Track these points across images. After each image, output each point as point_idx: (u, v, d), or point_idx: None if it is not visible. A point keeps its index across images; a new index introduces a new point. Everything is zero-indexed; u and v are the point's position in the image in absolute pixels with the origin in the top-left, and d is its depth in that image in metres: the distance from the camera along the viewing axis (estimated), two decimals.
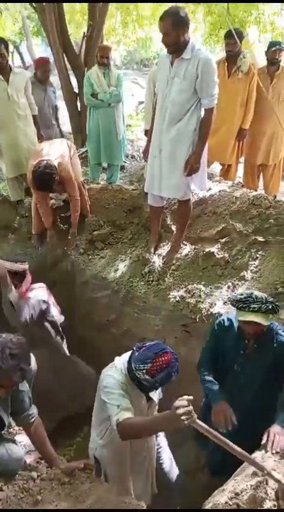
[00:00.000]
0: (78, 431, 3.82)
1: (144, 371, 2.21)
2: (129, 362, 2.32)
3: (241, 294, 2.48)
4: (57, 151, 4.16)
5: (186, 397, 1.90)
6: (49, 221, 4.46)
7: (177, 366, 2.26)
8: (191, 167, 3.61)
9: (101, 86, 5.31)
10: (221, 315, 2.87)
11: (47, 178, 3.91)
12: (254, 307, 2.37)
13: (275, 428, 2.33)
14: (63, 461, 2.35)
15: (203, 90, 3.42)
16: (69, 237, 4.51)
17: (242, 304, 2.40)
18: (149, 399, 2.48)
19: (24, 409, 2.26)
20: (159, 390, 2.60)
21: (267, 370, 2.59)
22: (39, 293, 3.44)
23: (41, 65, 5.66)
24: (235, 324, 2.63)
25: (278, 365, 2.54)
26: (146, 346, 2.33)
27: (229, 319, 2.69)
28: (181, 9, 3.33)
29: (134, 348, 2.36)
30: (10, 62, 4.83)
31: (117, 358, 2.48)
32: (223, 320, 2.70)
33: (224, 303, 3.56)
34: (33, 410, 2.32)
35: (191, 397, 1.91)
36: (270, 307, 2.39)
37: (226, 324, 2.68)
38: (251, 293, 2.46)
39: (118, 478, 2.51)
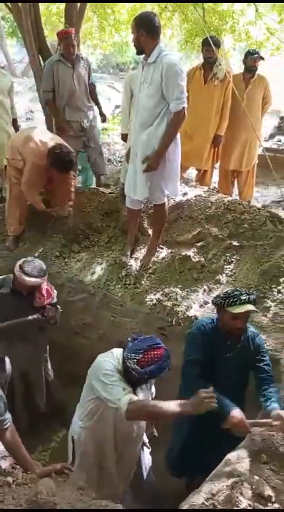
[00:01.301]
0: (53, 436, 3.79)
1: (135, 360, 2.25)
2: (124, 351, 2.37)
3: (225, 292, 2.54)
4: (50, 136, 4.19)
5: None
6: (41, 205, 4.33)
7: (168, 362, 2.29)
8: (148, 164, 3.60)
9: None
10: (198, 321, 2.82)
11: (73, 158, 3.97)
12: (244, 299, 2.47)
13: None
14: (39, 466, 2.32)
15: (169, 93, 3.44)
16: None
17: (232, 299, 2.47)
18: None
19: None
20: (148, 392, 2.60)
21: (246, 371, 2.66)
22: None
23: (63, 38, 4.87)
24: (213, 328, 2.64)
25: (254, 364, 2.62)
26: (141, 338, 2.38)
27: (209, 323, 2.67)
28: (151, 14, 3.52)
29: (129, 339, 2.41)
30: None
31: (115, 348, 2.52)
32: (203, 326, 2.67)
33: (201, 306, 3.60)
34: (7, 416, 2.28)
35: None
36: (254, 296, 2.53)
37: (208, 328, 2.65)
38: (234, 288, 2.57)
39: (95, 467, 2.54)
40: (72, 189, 4.42)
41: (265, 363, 2.62)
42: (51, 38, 8.65)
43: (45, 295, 3.32)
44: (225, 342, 2.62)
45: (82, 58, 4.99)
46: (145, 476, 2.85)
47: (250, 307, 2.49)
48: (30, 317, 3.22)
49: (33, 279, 3.11)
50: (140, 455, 2.80)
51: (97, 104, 5.24)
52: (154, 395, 2.73)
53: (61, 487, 2.09)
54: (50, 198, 4.48)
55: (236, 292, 2.50)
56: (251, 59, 5.25)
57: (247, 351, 2.64)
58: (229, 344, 2.62)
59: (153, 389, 2.76)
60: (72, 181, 4.35)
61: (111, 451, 2.55)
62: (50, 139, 4.12)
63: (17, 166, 4.16)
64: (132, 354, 2.29)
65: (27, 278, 3.09)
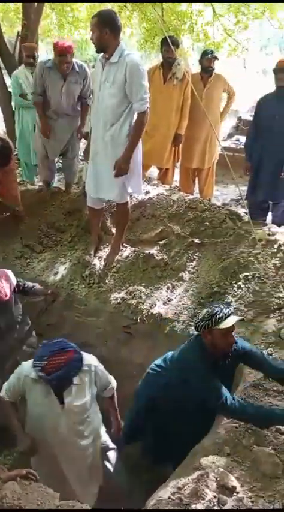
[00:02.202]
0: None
1: (40, 368, 2.23)
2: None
3: (206, 313, 2.46)
4: None
5: None
6: None
7: (78, 365, 2.29)
8: (119, 168, 3.61)
9: (30, 86, 5.19)
10: (194, 367, 2.58)
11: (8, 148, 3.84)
12: (227, 312, 2.43)
13: None
14: (4, 470, 2.28)
15: (133, 94, 3.44)
16: None
17: (217, 316, 2.40)
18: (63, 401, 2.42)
19: None
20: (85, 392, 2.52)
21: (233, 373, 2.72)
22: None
23: (58, 54, 4.20)
24: (203, 356, 2.55)
25: (253, 364, 2.67)
26: (49, 342, 2.33)
27: (200, 355, 2.54)
28: (110, 11, 3.46)
29: (40, 344, 2.40)
30: None
31: None
32: (198, 357, 2.54)
33: (164, 303, 3.64)
34: None
35: None
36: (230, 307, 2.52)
37: (202, 357, 2.53)
38: (213, 305, 2.49)
39: (44, 467, 2.54)
40: (15, 182, 4.32)
41: (259, 355, 2.63)
42: (8, 35, 8.47)
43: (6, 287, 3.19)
44: (216, 364, 2.54)
45: (78, 71, 4.41)
46: (113, 477, 2.84)
47: (236, 317, 2.47)
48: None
49: None
50: (97, 457, 2.75)
51: (82, 120, 4.75)
52: (112, 386, 2.75)
53: (26, 490, 2.07)
54: None
55: (217, 309, 2.43)
56: (206, 59, 5.35)
57: (234, 365, 2.68)
58: (220, 364, 2.56)
59: (111, 382, 2.74)
60: (12, 174, 4.23)
61: (45, 449, 2.54)
62: None
63: None
64: (37, 362, 2.25)
65: None
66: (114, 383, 2.79)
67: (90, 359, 2.57)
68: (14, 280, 3.27)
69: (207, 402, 2.48)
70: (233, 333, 2.50)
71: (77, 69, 4.38)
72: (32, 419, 2.55)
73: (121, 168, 3.61)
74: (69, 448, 2.55)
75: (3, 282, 3.12)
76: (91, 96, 4.20)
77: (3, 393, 2.56)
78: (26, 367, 2.46)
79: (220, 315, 2.40)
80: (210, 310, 2.45)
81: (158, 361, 2.90)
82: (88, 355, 2.60)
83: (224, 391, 2.42)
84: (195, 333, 2.65)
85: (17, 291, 3.31)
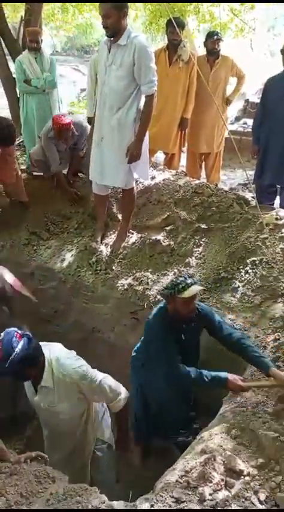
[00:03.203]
0: (29, 424, 3.77)
1: None
2: None
3: (171, 282, 2.62)
4: None
5: None
6: None
7: (11, 361, 2.15)
8: (132, 154, 3.60)
9: (34, 72, 5.14)
10: (153, 321, 2.83)
11: (13, 131, 3.85)
12: (190, 282, 2.58)
13: (277, 372, 2.46)
14: (13, 454, 2.32)
15: (141, 77, 3.41)
16: None
17: (180, 285, 2.56)
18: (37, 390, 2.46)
19: None
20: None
21: (198, 341, 2.87)
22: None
23: (58, 129, 4.34)
24: (164, 321, 2.73)
25: (218, 336, 2.76)
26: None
27: (160, 320, 2.75)
28: None
29: None
30: None
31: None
32: (157, 325, 2.75)
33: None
34: None
35: None
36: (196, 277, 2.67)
37: (162, 325, 2.73)
38: (178, 275, 2.63)
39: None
40: (14, 165, 4.30)
41: (230, 330, 2.73)
42: (12, 20, 8.37)
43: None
44: (176, 328, 2.73)
45: (77, 134, 4.51)
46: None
47: (198, 287, 2.62)
48: None
49: None
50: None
51: (70, 166, 4.85)
52: (119, 399, 2.62)
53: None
54: None
55: (181, 279, 2.58)
56: (211, 41, 5.26)
57: (201, 328, 2.82)
58: (184, 327, 2.75)
59: (117, 396, 2.60)
60: (13, 156, 4.24)
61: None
62: None
63: None
64: None
65: None
66: (123, 395, 2.64)
67: (68, 369, 2.40)
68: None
69: (158, 364, 2.71)
70: (201, 305, 2.77)
71: (76, 132, 4.47)
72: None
73: (134, 155, 3.60)
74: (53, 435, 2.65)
75: None
76: (84, 147, 4.52)
77: None
78: None
79: (183, 285, 2.55)
80: (174, 280, 2.61)
81: (137, 344, 3.08)
82: (71, 365, 2.41)
83: (176, 357, 2.63)
84: None
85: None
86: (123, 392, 2.61)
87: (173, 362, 2.64)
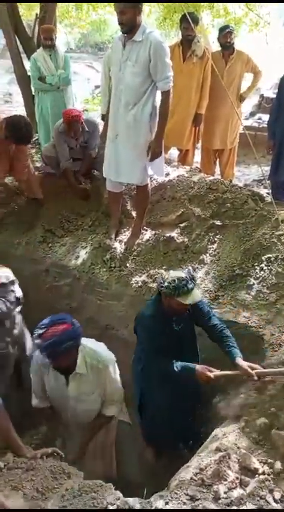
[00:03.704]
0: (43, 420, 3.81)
1: (37, 335, 2.27)
2: None
3: (173, 282, 2.59)
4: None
5: None
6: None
7: (71, 337, 2.28)
8: (153, 151, 3.60)
9: (49, 69, 5.17)
10: (143, 319, 2.86)
11: (31, 130, 3.87)
12: (191, 287, 2.58)
13: (242, 362, 2.57)
14: (29, 449, 2.35)
15: (157, 73, 3.40)
16: None
17: (181, 289, 2.56)
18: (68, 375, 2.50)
19: None
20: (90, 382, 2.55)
21: (194, 329, 2.91)
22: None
23: (68, 122, 4.32)
24: (156, 315, 2.76)
25: (205, 326, 2.83)
26: (54, 315, 2.40)
27: (151, 314, 2.78)
28: None
29: None
30: None
31: None
32: (148, 318, 2.79)
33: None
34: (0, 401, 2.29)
35: None
36: (194, 281, 2.65)
37: (153, 318, 2.76)
38: (177, 276, 2.61)
39: None
40: (26, 162, 4.34)
41: (215, 321, 2.79)
42: (26, 17, 8.41)
43: None
44: (170, 319, 2.78)
45: (87, 131, 4.49)
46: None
47: (198, 294, 2.65)
48: None
49: None
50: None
51: (82, 165, 4.74)
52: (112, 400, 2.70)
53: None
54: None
55: (183, 282, 2.56)
56: (222, 35, 5.22)
57: (193, 318, 2.84)
58: (175, 319, 2.79)
59: (115, 383, 2.69)
60: (25, 153, 4.28)
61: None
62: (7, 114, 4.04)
63: None
64: (37, 329, 2.30)
65: None
66: (118, 404, 2.74)
67: (101, 356, 2.54)
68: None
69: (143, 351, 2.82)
70: None
71: (87, 129, 4.46)
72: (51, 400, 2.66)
73: (156, 152, 3.60)
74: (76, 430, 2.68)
75: None
76: (96, 147, 4.50)
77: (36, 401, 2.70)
78: (35, 357, 2.56)
79: (184, 290, 2.56)
80: (176, 281, 2.57)
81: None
82: (103, 352, 2.58)
83: (154, 347, 2.71)
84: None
85: None
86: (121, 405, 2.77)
87: (153, 353, 2.73)
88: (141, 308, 2.99)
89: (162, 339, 2.72)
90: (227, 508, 1.86)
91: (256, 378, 2.49)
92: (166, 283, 2.60)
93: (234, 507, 1.87)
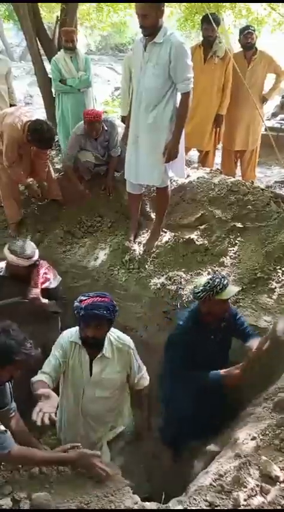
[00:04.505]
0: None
1: (80, 300, 2.44)
2: None
3: (207, 284, 2.63)
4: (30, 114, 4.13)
5: None
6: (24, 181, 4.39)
7: (110, 308, 2.43)
8: (169, 153, 3.58)
9: (69, 71, 5.19)
10: (178, 331, 2.85)
11: (53, 135, 3.93)
12: (226, 283, 2.62)
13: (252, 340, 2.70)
14: (47, 450, 2.35)
15: (177, 74, 3.39)
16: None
17: (218, 287, 2.59)
18: (94, 357, 2.55)
19: (6, 404, 2.24)
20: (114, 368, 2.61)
21: (230, 339, 2.91)
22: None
23: (89, 121, 4.33)
24: (192, 325, 2.75)
25: (240, 335, 2.86)
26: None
27: (187, 320, 2.79)
28: None
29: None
30: None
31: None
32: (184, 325, 2.79)
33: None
34: (13, 404, 2.32)
35: None
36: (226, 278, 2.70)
37: (189, 325, 2.76)
38: (213, 276, 2.68)
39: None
40: (46, 163, 4.41)
41: (248, 329, 2.88)
42: (48, 20, 8.49)
43: (41, 277, 3.24)
44: (207, 328, 2.75)
45: (106, 130, 4.50)
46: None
47: (235, 288, 2.74)
48: (10, 300, 3.12)
49: (20, 260, 3.03)
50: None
51: (108, 171, 4.74)
52: (142, 376, 2.77)
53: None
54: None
55: (217, 280, 2.62)
56: (243, 36, 5.18)
57: (230, 327, 2.85)
58: (212, 328, 2.77)
59: (142, 371, 2.78)
60: (46, 155, 4.35)
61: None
62: (29, 116, 4.07)
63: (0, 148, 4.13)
64: (80, 297, 2.46)
65: (14, 258, 3.03)
66: (147, 376, 2.83)
67: (125, 339, 2.67)
68: (53, 283, 3.34)
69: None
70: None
71: (106, 128, 4.49)
72: (66, 384, 2.67)
73: (172, 153, 3.59)
74: (88, 421, 2.67)
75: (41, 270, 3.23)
76: (118, 146, 4.50)
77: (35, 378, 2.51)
78: (67, 332, 2.62)
79: (221, 286, 2.59)
80: (210, 282, 2.63)
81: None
82: (125, 336, 2.69)
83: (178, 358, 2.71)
84: None
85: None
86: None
87: (179, 364, 2.71)
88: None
89: (196, 351, 2.72)
90: None
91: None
92: (201, 288, 2.64)
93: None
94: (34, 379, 2.39)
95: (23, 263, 3.06)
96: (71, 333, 2.59)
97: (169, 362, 2.84)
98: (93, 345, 2.51)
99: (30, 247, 3.12)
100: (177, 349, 2.76)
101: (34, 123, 3.86)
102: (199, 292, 2.66)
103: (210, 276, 2.71)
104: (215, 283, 2.59)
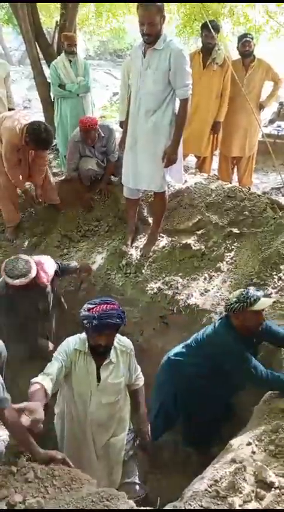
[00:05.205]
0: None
1: (87, 309, 2.39)
2: None
3: (240, 296, 2.60)
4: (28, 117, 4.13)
5: None
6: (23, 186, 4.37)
7: (119, 316, 2.38)
8: (169, 158, 3.61)
9: (69, 76, 5.21)
10: (229, 341, 2.70)
11: (51, 136, 3.91)
12: (260, 294, 2.58)
13: None
14: (38, 451, 2.30)
15: (176, 80, 3.41)
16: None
17: (251, 299, 2.55)
18: (100, 367, 2.51)
19: None
20: (127, 369, 2.62)
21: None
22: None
23: (85, 130, 4.37)
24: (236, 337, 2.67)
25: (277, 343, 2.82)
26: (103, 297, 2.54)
27: (231, 333, 2.67)
28: None
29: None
30: None
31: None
32: (231, 338, 2.66)
33: (201, 294, 3.59)
34: (7, 396, 2.26)
35: None
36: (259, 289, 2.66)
37: (235, 338, 2.65)
38: (241, 290, 2.64)
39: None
40: (44, 167, 4.40)
41: (280, 332, 2.76)
42: (47, 25, 8.52)
43: (45, 274, 3.24)
44: (248, 342, 2.67)
45: (103, 136, 4.53)
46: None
47: (269, 299, 2.68)
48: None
49: (16, 281, 3.00)
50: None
51: (105, 175, 4.79)
52: (137, 376, 2.76)
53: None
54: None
55: (250, 292, 2.58)
56: (241, 44, 5.21)
57: (261, 342, 2.80)
58: (254, 341, 2.74)
59: (138, 371, 2.77)
60: (45, 159, 4.35)
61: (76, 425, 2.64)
62: (28, 119, 4.06)
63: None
64: (87, 305, 2.42)
65: (10, 280, 3.01)
66: (142, 376, 2.83)
67: (126, 342, 2.66)
68: (52, 270, 3.31)
69: (244, 381, 2.68)
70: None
71: (103, 134, 4.50)
72: (71, 393, 2.60)
73: (171, 159, 3.61)
74: (94, 429, 2.62)
75: (41, 272, 3.19)
76: (115, 151, 4.53)
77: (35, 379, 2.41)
78: (72, 340, 2.56)
79: (254, 298, 2.55)
80: (244, 293, 2.60)
81: (177, 349, 3.00)
82: (125, 338, 2.68)
83: (259, 365, 2.57)
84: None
85: (58, 275, 3.45)
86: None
87: (257, 369, 2.57)
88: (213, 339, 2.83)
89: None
90: None
91: None
92: (234, 299, 2.61)
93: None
94: (33, 380, 2.33)
95: (23, 282, 3.02)
96: (75, 341, 2.53)
97: (245, 369, 2.60)
98: (102, 353, 2.48)
99: (24, 267, 3.05)
100: (244, 353, 2.61)
101: (31, 124, 3.87)
102: (232, 304, 2.61)
103: (240, 290, 2.67)
104: (249, 294, 2.56)
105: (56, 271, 3.38)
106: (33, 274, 3.06)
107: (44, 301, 3.36)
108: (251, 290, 2.60)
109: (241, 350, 2.59)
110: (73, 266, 3.69)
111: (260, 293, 2.59)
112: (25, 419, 2.05)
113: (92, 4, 8.67)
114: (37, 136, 3.83)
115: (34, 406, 2.08)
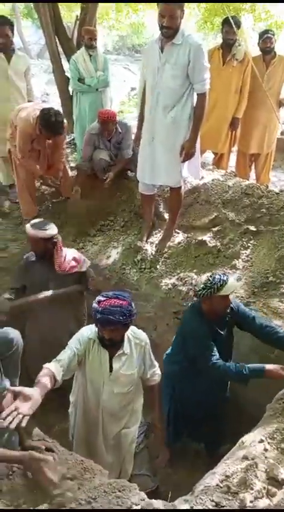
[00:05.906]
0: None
1: (98, 301, 2.40)
2: None
3: (207, 281, 2.66)
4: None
5: None
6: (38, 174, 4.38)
7: (125, 314, 2.37)
8: (187, 152, 3.61)
9: (88, 71, 5.22)
10: (191, 322, 2.84)
11: (61, 119, 3.91)
12: (226, 278, 2.65)
13: None
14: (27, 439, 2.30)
15: (195, 75, 3.42)
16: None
17: (218, 284, 2.62)
18: (113, 357, 2.54)
19: None
20: (136, 360, 2.62)
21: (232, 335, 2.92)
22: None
23: (103, 122, 4.41)
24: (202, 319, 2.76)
25: (250, 329, 2.82)
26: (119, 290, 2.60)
27: (197, 317, 2.77)
28: None
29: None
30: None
31: None
32: (195, 322, 2.77)
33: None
34: (6, 383, 2.28)
35: None
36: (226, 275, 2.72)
37: (200, 322, 2.75)
38: (208, 276, 2.71)
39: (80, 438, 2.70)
40: (63, 157, 4.43)
41: (258, 320, 2.79)
42: (67, 19, 8.54)
43: (68, 261, 3.34)
44: (214, 324, 2.76)
45: (120, 132, 4.56)
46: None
47: (236, 282, 2.73)
48: (68, 288, 3.37)
49: (33, 231, 3.18)
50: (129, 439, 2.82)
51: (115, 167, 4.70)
52: (154, 371, 2.76)
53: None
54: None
55: (216, 276, 2.65)
56: (262, 40, 5.16)
57: (233, 322, 2.85)
58: (218, 323, 2.78)
59: (155, 367, 2.77)
60: (61, 148, 4.36)
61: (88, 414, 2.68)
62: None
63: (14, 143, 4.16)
64: (99, 297, 2.42)
65: (29, 229, 3.20)
66: (159, 372, 2.82)
67: (142, 335, 2.67)
68: (72, 263, 3.37)
69: (198, 361, 2.73)
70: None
71: (120, 130, 4.52)
72: (84, 380, 2.65)
73: (189, 153, 3.62)
74: (106, 419, 2.65)
75: (63, 254, 3.31)
76: (130, 148, 4.51)
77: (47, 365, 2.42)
78: (86, 329, 2.60)
79: (221, 283, 2.62)
80: (210, 279, 2.66)
81: (168, 350, 3.08)
82: (141, 332, 2.69)
83: (216, 354, 2.65)
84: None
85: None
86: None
87: (212, 357, 2.65)
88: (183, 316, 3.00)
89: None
90: None
91: None
92: (202, 286, 2.68)
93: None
94: (45, 365, 2.36)
95: (39, 234, 3.17)
96: (91, 330, 2.57)
97: (202, 354, 2.70)
98: (109, 346, 2.51)
99: (48, 223, 3.29)
100: (205, 340, 2.70)
101: (42, 111, 3.88)
102: (200, 290, 2.69)
103: (207, 274, 2.73)
104: (215, 280, 2.63)
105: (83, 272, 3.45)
106: (51, 232, 3.21)
107: (56, 282, 3.35)
108: (218, 275, 2.66)
109: (203, 336, 2.69)
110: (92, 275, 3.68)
111: (226, 277, 2.65)
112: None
113: None
114: (47, 122, 3.84)
115: (31, 391, 2.06)
